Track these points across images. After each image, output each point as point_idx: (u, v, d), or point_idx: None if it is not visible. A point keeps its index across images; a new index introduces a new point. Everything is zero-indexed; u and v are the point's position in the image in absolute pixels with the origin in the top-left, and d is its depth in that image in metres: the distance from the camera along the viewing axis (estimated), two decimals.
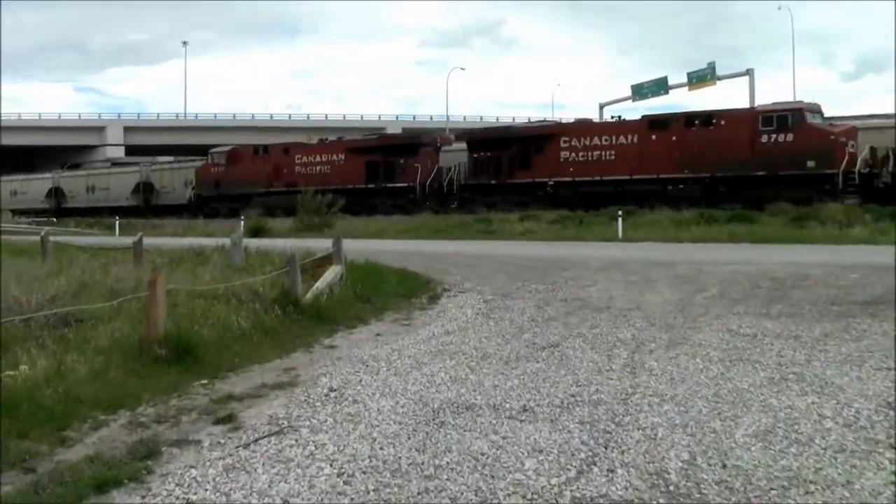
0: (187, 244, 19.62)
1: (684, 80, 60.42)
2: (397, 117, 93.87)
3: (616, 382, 7.23)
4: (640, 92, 62.09)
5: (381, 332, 10.06)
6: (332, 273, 12.85)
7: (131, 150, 69.62)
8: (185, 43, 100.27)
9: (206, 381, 7.55)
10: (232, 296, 11.16)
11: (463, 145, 41.00)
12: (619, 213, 27.21)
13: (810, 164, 30.28)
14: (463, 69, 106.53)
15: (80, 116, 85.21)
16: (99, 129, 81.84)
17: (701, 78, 59.31)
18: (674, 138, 33.63)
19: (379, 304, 12.04)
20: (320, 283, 11.99)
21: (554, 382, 7.28)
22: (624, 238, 25.03)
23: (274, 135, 77.86)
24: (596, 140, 35.79)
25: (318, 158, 44.80)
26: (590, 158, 35.69)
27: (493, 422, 6.02)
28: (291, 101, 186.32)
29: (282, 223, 36.43)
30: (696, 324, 10.07)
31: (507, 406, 6.48)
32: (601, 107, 60.93)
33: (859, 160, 30.17)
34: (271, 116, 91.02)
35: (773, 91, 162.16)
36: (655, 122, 35.05)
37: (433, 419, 6.13)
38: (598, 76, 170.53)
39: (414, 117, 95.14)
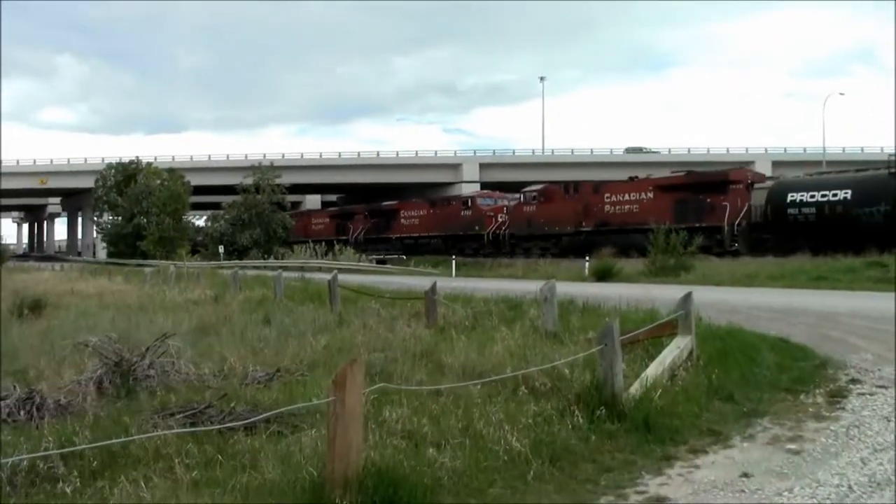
0: (513, 290, 16.46)
1: None
2: (766, 150, 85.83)
3: None
4: None
5: (749, 470, 5.84)
6: (675, 348, 8.77)
7: (486, 187, 69.39)
8: (542, 78, 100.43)
9: None
10: (522, 384, 7.59)
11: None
12: None
13: (477, 228, 50.80)
14: (842, 94, 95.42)
15: (436, 154, 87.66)
16: (455, 167, 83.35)
17: None
18: (436, 211, 55.77)
19: (747, 405, 7.70)
20: (654, 368, 7.97)
21: None
22: None
23: (634, 170, 74.53)
24: (413, 212, 58.12)
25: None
26: (408, 223, 57.69)
27: None
28: (651, 134, 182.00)
29: (633, 265, 32.28)
30: None
31: None
32: None
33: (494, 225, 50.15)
34: (625, 150, 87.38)
35: None
36: (432, 203, 58.01)
37: None
38: None
39: (785, 150, 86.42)
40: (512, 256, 43.94)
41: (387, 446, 5.56)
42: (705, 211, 37.64)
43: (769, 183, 38.31)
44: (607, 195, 42.29)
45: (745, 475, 5.71)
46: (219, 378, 8.25)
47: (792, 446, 6.47)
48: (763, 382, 8.51)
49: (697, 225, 36.28)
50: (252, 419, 5.67)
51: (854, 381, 8.78)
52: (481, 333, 10.92)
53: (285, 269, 37.31)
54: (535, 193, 47.71)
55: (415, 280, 25.94)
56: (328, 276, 27.76)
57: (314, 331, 11.84)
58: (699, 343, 9.48)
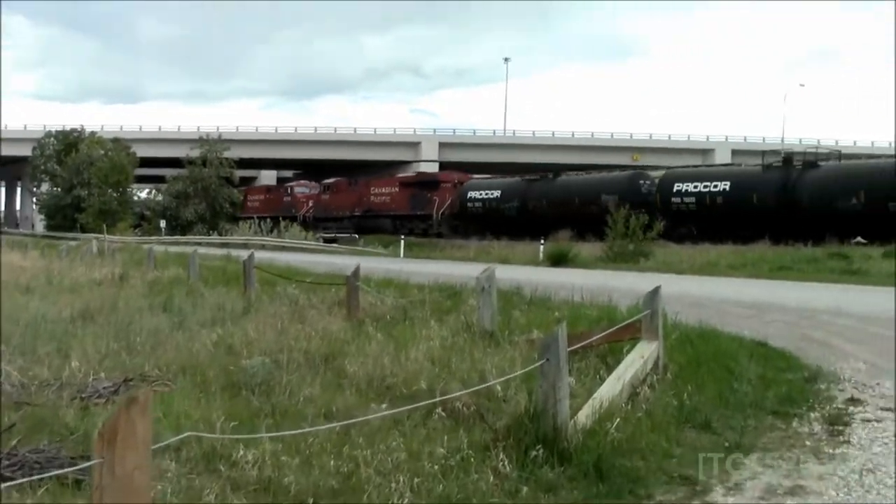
0: (459, 275, 14.69)
1: None
2: (727, 138, 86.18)
3: None
4: None
5: None
6: (638, 358, 7.05)
7: (445, 167, 67.78)
8: (506, 59, 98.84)
9: None
10: (439, 403, 5.83)
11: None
12: None
13: (293, 210, 57.27)
14: (802, 85, 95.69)
15: (395, 132, 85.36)
16: (415, 145, 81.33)
17: None
18: (270, 196, 63.65)
19: (728, 435, 5.96)
20: (611, 385, 6.24)
21: None
22: None
23: (595, 154, 74.68)
24: (256, 196, 65.26)
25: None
26: (252, 205, 63.15)
27: None
28: (615, 120, 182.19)
29: (591, 248, 30.74)
30: None
31: None
32: None
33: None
34: (592, 135, 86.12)
35: None
36: (268, 188, 69.09)
37: None
38: None
39: (745, 138, 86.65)
40: (314, 231, 51.63)
41: None
42: (426, 202, 49.61)
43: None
44: (373, 188, 54.76)
45: None
46: (53, 388, 6.37)
47: (792, 502, 4.79)
48: (745, 403, 6.82)
49: (420, 213, 49.65)
50: (30, 478, 3.83)
51: (853, 400, 7.14)
52: (405, 329, 9.15)
53: (228, 245, 35.37)
54: (329, 184, 59.89)
55: (358, 260, 24.14)
56: (270, 254, 25.94)
57: (212, 322, 9.99)
58: (667, 350, 7.80)
